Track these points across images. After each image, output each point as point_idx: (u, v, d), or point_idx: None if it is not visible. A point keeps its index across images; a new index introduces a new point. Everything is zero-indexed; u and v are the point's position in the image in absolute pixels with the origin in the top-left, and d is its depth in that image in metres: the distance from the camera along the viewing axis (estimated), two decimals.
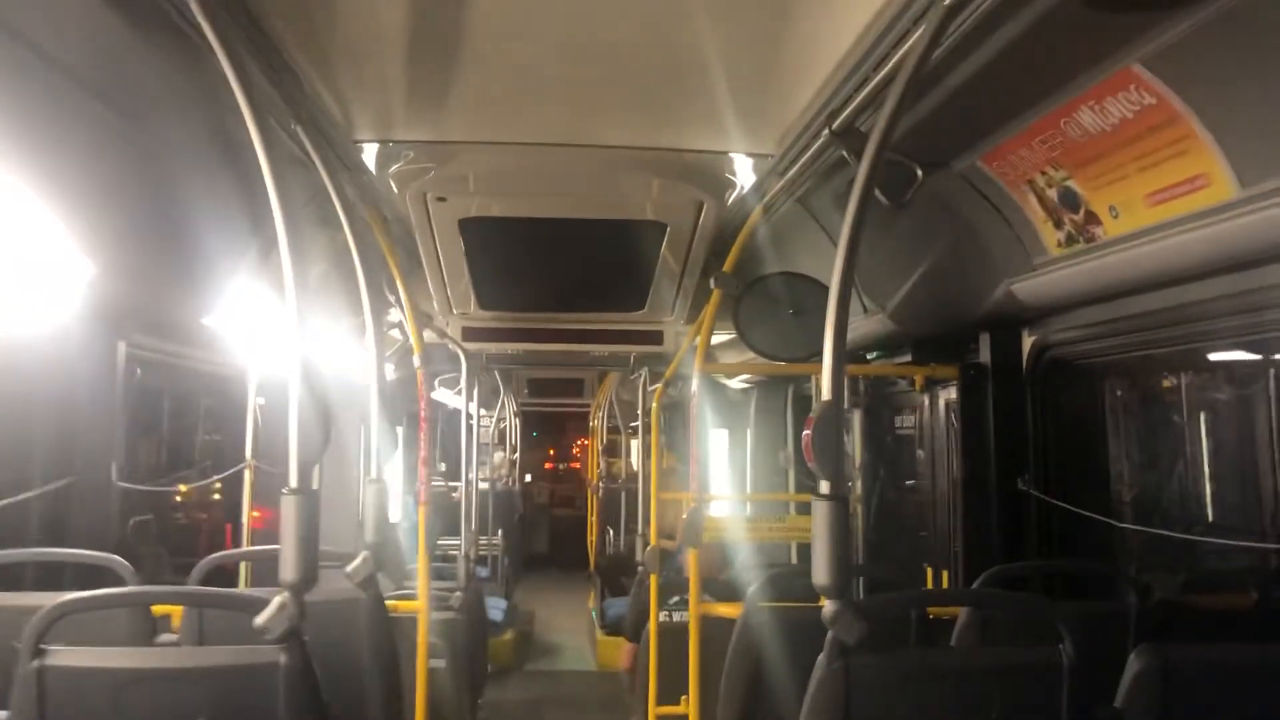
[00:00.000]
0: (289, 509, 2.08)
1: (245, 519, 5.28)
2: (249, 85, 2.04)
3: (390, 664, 3.24)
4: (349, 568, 3.09)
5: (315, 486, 2.14)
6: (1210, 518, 4.01)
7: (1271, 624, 3.17)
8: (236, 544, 5.30)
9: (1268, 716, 2.12)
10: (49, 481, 3.55)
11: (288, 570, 2.07)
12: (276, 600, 2.05)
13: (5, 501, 3.42)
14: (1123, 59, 2.33)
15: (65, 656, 2.09)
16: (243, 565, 5.03)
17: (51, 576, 3.46)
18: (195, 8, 1.91)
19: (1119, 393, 4.00)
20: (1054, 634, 2.14)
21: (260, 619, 2.05)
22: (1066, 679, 2.13)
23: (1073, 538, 3.75)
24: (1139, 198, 2.68)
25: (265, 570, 4.99)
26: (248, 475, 5.30)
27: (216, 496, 6.19)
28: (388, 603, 3.72)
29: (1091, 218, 2.90)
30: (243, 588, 4.75)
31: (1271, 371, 3.88)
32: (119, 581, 3.06)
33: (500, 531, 10.23)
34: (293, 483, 2.10)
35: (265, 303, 4.32)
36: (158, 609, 3.48)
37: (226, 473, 5.38)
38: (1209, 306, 2.91)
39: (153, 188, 3.22)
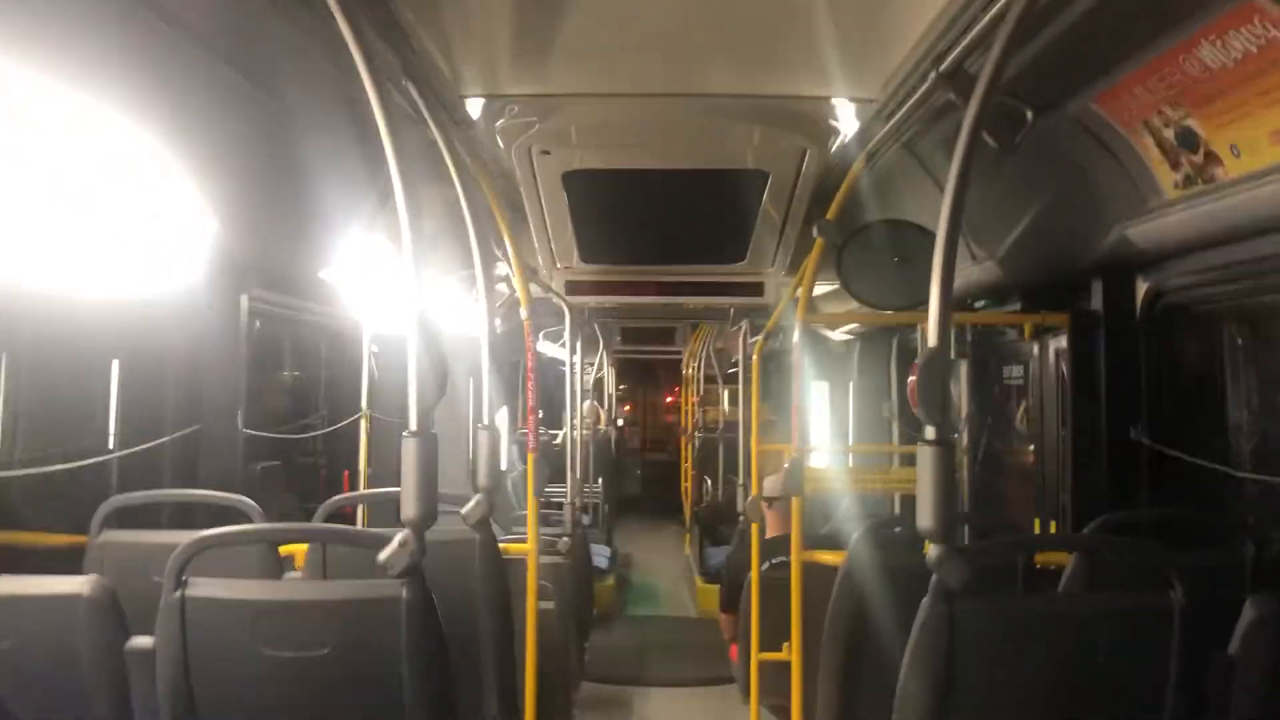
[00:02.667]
0: (409, 450, 2.18)
1: (362, 465, 5.50)
2: (365, 44, 2.11)
3: (503, 603, 3.35)
4: (464, 510, 3.21)
5: (434, 430, 2.23)
6: None
7: None
8: (354, 489, 5.51)
9: None
10: (180, 429, 3.76)
11: (408, 508, 2.16)
12: (399, 537, 2.16)
13: (142, 447, 3.64)
14: None
15: (204, 588, 2.24)
16: (360, 508, 5.23)
17: (185, 517, 3.67)
18: None
19: (1238, 340, 3.86)
20: (1165, 583, 2.12)
21: (383, 555, 2.15)
22: (1178, 624, 2.11)
23: (1187, 488, 3.67)
24: (1263, 135, 2.58)
25: (380, 513, 5.19)
26: (364, 424, 5.51)
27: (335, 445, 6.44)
28: (501, 544, 3.86)
29: (1211, 158, 2.81)
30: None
31: None
32: (247, 521, 3.23)
33: (600, 479, 10.38)
34: (413, 425, 2.19)
35: (378, 257, 4.46)
36: (284, 549, 3.67)
37: (344, 422, 5.59)
38: None
39: (273, 147, 3.35)
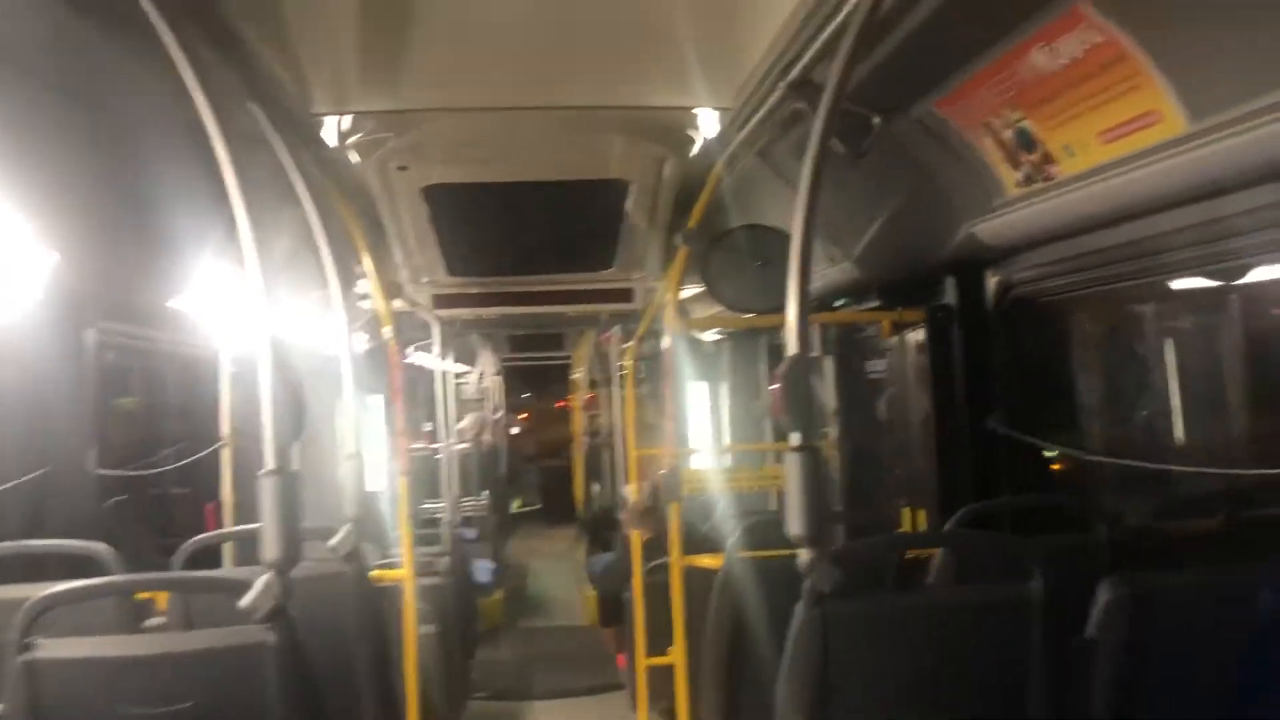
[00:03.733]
0: (268, 489, 2.10)
1: (226, 497, 5.29)
2: (200, 66, 2.03)
3: (378, 634, 3.27)
4: (332, 541, 3.12)
5: (293, 466, 2.16)
6: (1177, 446, 4.09)
7: (1236, 545, 3.26)
8: (218, 523, 5.30)
9: (1231, 633, 2.19)
10: (26, 473, 3.55)
11: (270, 549, 2.09)
12: (261, 580, 2.08)
13: None
14: None
15: (54, 649, 2.11)
16: (226, 545, 5.03)
17: (36, 567, 3.46)
18: None
19: (1083, 328, 4.05)
20: (1026, 572, 2.20)
21: (245, 600, 2.07)
22: (1038, 612, 2.19)
23: (1045, 472, 3.83)
24: (1092, 136, 2.70)
25: (250, 548, 5.00)
26: (226, 453, 5.29)
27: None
28: (374, 573, 3.76)
29: (1047, 157, 2.93)
30: (228, 568, 4.76)
31: (1231, 299, 3.96)
32: (103, 569, 3.07)
33: (486, 491, 10.26)
34: (270, 463, 2.12)
35: (233, 282, 4.29)
36: (144, 593, 3.50)
37: (202, 453, 5.37)
38: (1166, 239, 2.95)
39: (112, 173, 3.20)
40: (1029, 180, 3.09)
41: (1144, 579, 2.22)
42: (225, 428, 5.29)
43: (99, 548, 3.12)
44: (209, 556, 4.96)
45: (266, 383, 2.13)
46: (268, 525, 2.09)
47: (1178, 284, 3.87)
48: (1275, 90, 2.11)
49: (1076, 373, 4.02)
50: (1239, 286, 3.83)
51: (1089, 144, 2.74)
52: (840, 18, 2.31)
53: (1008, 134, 3.00)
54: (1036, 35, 2.53)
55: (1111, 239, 3.10)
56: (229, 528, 4.71)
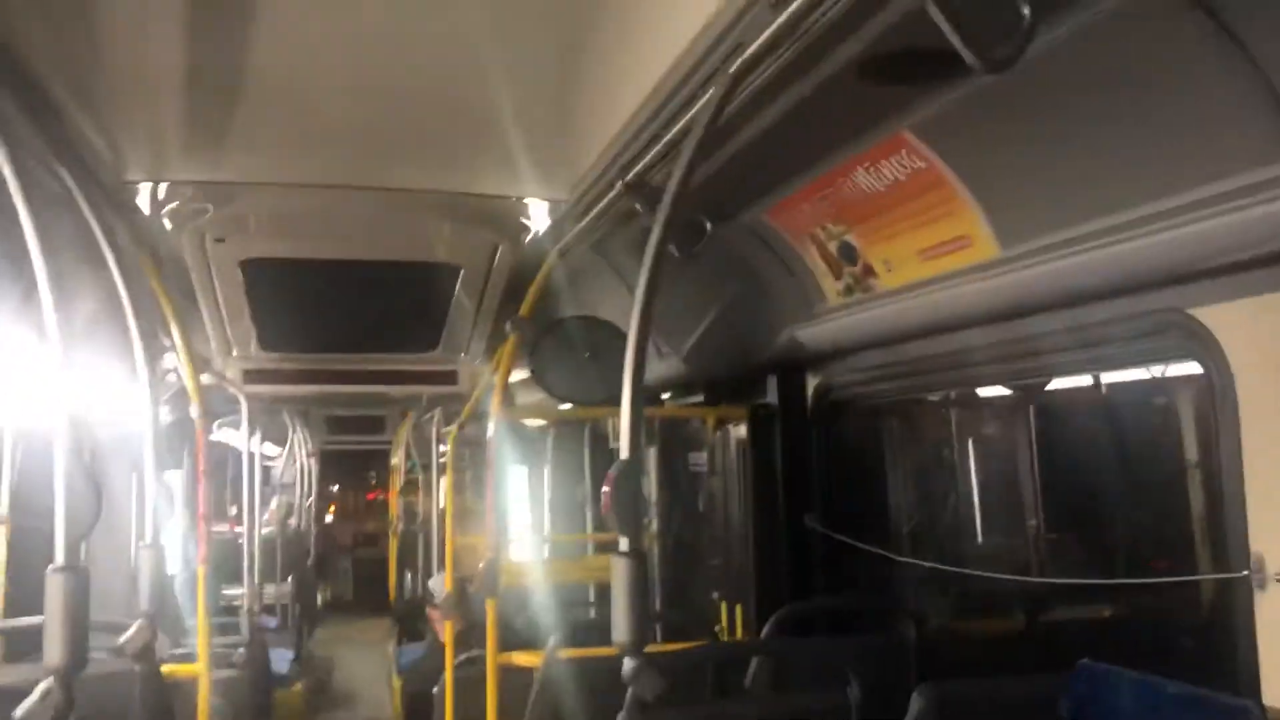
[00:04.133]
0: (55, 587, 1.90)
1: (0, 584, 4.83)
2: (3, 125, 1.89)
3: None
4: (122, 638, 2.87)
5: (83, 560, 1.97)
6: (978, 549, 4.29)
7: (1031, 648, 3.43)
8: None
9: None
10: None
11: (53, 654, 1.89)
12: (40, 688, 1.87)
13: None
14: (895, 125, 2.48)
15: None
16: None
17: None
18: None
19: (896, 431, 4.23)
20: (843, 678, 2.23)
21: (19, 712, 1.86)
22: (856, 716, 2.21)
23: (857, 571, 3.93)
24: (911, 253, 2.85)
25: (26, 642, 4.55)
26: (2, 532, 4.85)
27: None
28: (166, 668, 3.48)
29: (868, 270, 3.07)
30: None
31: (1030, 411, 4.21)
32: None
33: (291, 578, 9.77)
34: (60, 559, 1.92)
35: (20, 349, 3.98)
36: None
37: None
38: (976, 353, 3.12)
39: None
40: (849, 290, 3.22)
41: (953, 687, 2.29)
42: (3, 506, 4.86)
43: None
44: None
45: (60, 466, 1.95)
46: (52, 627, 1.89)
47: (984, 394, 4.10)
48: (1073, 225, 2.27)
49: (889, 474, 4.18)
50: (1038, 401, 4.09)
51: (907, 260, 2.88)
52: (679, 125, 2.36)
53: (832, 245, 3.13)
54: (862, 156, 2.67)
55: (925, 350, 3.27)
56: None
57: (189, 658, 4.00)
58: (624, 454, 2.09)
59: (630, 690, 2.06)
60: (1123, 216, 2.15)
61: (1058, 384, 3.82)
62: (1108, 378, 3.83)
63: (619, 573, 2.06)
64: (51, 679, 1.88)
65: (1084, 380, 3.71)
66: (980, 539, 4.28)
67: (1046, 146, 2.21)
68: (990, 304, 2.72)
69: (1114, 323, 2.54)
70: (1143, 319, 2.45)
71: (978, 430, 4.37)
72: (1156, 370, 3.34)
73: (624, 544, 2.09)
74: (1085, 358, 2.84)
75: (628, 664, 2.04)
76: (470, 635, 4.80)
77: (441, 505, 8.68)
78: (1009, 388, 3.88)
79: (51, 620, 1.90)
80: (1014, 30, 1.57)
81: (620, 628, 2.05)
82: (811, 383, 3.98)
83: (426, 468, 11.55)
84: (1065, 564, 4.00)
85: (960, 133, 2.37)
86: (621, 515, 2.08)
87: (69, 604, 1.90)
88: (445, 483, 5.85)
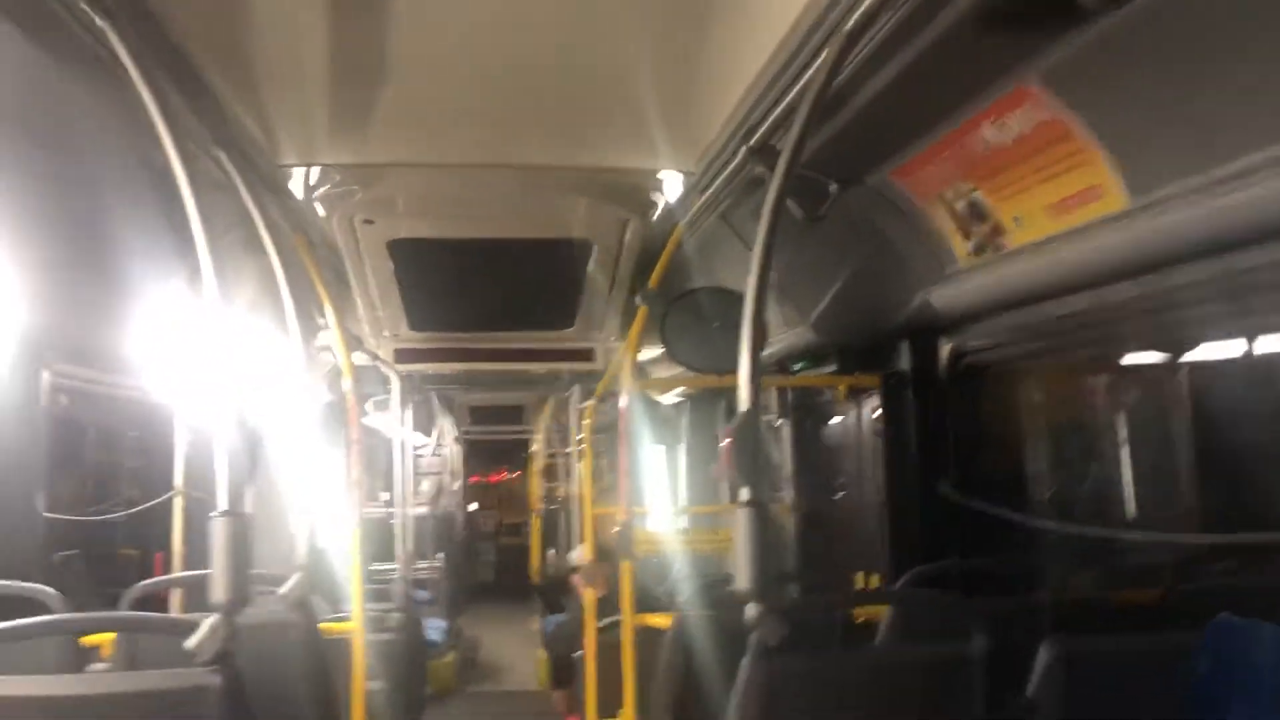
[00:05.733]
0: (219, 531, 2.09)
1: (176, 547, 5.21)
2: (168, 112, 2.06)
3: (324, 686, 3.23)
4: (282, 589, 3.09)
5: (246, 509, 2.15)
6: (1122, 514, 4.16)
7: (1175, 616, 3.30)
8: (167, 573, 5.22)
9: (1162, 696, 2.23)
10: None
11: (219, 592, 2.08)
12: (208, 622, 2.06)
13: None
14: (1018, 77, 2.44)
15: None
16: (176, 593, 4.95)
17: None
18: (112, 37, 1.94)
19: (1033, 396, 4.13)
20: (968, 632, 2.23)
21: (191, 641, 2.05)
22: (979, 671, 2.21)
23: (993, 539, 3.87)
24: (1040, 208, 2.80)
25: (200, 598, 4.91)
26: (178, 503, 5.23)
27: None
28: (323, 625, 3.71)
29: (997, 228, 3.03)
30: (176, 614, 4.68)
31: (1180, 372, 4.05)
32: (47, 612, 3.02)
33: (442, 555, 10.17)
34: (222, 505, 2.11)
35: (193, 329, 4.28)
36: (90, 640, 3.43)
37: (154, 501, 5.30)
38: (1113, 311, 3.04)
39: (75, 215, 3.20)
40: (980, 250, 3.18)
41: (1083, 642, 2.26)
42: (178, 477, 5.24)
43: (45, 590, 3.08)
44: (159, 606, 4.89)
45: (223, 424, 2.14)
46: (217, 567, 2.08)
47: (1125, 355, 3.97)
48: (1207, 170, 2.20)
49: (1026, 440, 4.09)
50: (1184, 359, 3.94)
51: (1036, 216, 2.83)
52: (799, 86, 2.39)
53: (960, 205, 3.10)
54: (986, 111, 2.64)
55: (1059, 309, 3.19)
56: (177, 574, 4.64)
57: (347, 621, 4.24)
58: (742, 406, 2.15)
59: (754, 636, 2.12)
60: (1261, 155, 2.07)
61: (1205, 344, 3.66)
62: (1263, 338, 3.65)
63: (742, 522, 2.13)
64: (218, 615, 2.06)
65: (1233, 339, 3.55)
66: (1124, 505, 4.14)
67: (1175, 89, 2.15)
68: (1124, 258, 2.65)
69: (1258, 271, 2.45)
70: None
71: (1120, 393, 4.23)
72: None
73: (745, 494, 2.15)
74: (1230, 310, 2.73)
75: (751, 609, 2.10)
76: (610, 603, 4.93)
77: (579, 484, 8.90)
78: (1152, 348, 3.74)
79: (217, 561, 2.08)
80: None
81: (744, 575, 2.11)
82: (945, 348, 3.93)
83: (566, 453, 11.82)
84: (1215, 529, 3.84)
85: (1086, 81, 2.32)
86: (741, 466, 2.14)
87: (232, 546, 2.08)
88: (585, 457, 6.00)
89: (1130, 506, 4.14)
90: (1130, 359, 3.93)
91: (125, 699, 2.11)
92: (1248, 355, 3.45)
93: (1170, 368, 4.02)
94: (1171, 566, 3.53)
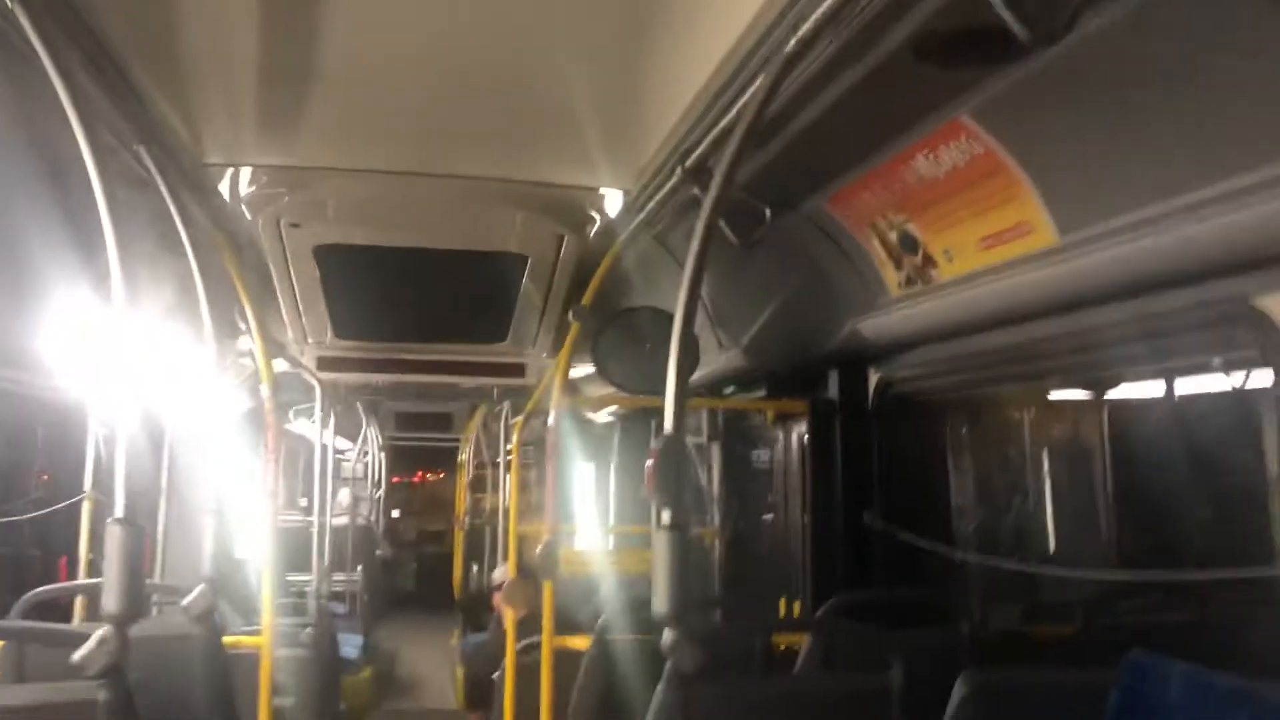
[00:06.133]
0: (114, 539, 2.00)
1: (83, 552, 5.04)
2: (81, 103, 1.98)
3: (226, 702, 3.12)
4: (185, 600, 2.98)
5: (141, 518, 2.06)
6: (1041, 548, 4.21)
7: (1091, 646, 3.34)
8: (71, 579, 5.04)
9: None
10: None
11: (110, 602, 1.98)
12: (97, 634, 1.96)
13: None
14: (953, 110, 2.46)
15: None
16: (78, 601, 4.78)
17: None
18: (22, 18, 1.85)
19: (960, 428, 4.17)
20: (886, 662, 2.22)
21: (78, 654, 1.95)
22: (897, 702, 2.20)
23: (916, 568, 3.88)
24: (971, 242, 2.82)
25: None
26: (86, 506, 5.06)
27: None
28: (230, 638, 3.59)
29: (929, 260, 3.04)
30: (78, 624, 4.51)
31: (1100, 409, 4.13)
32: None
33: (360, 567, 9.97)
34: (119, 512, 2.02)
35: (105, 327, 4.14)
36: None
37: (61, 504, 5.12)
38: (1040, 346, 3.08)
39: None
40: (910, 281, 3.20)
41: (998, 675, 2.26)
42: (89, 480, 5.07)
43: None
44: (63, 613, 4.71)
45: (124, 430, 2.05)
46: (109, 576, 1.98)
47: (1050, 391, 4.03)
48: (1132, 211, 2.23)
49: (951, 471, 4.12)
50: (1105, 397, 4.01)
51: (968, 249, 2.85)
52: (736, 109, 2.38)
53: (892, 235, 3.11)
54: (921, 143, 2.66)
55: (987, 343, 3.23)
56: (76, 581, 4.47)
57: (258, 634, 4.12)
58: (667, 429, 2.11)
59: (669, 663, 2.08)
60: (1183, 200, 2.11)
61: (1126, 383, 3.74)
62: (1181, 379, 3.73)
63: (660, 545, 2.09)
64: (109, 626, 1.97)
65: (1153, 379, 3.62)
66: (1043, 540, 4.20)
67: (1106, 129, 2.18)
68: (1051, 293, 2.68)
69: (1179, 314, 2.49)
70: (1207, 309, 2.40)
71: (1043, 428, 4.29)
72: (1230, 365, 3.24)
73: (665, 518, 2.11)
74: (1150, 350, 2.78)
75: (667, 635, 2.06)
76: (531, 623, 4.86)
77: (507, 499, 8.79)
78: (1076, 385, 3.80)
79: (109, 570, 1.99)
80: (1063, 2, 1.57)
81: (661, 599, 2.07)
82: (873, 377, 3.95)
83: (495, 464, 11.68)
84: (1132, 567, 3.91)
85: (1018, 117, 2.35)
86: (662, 489, 2.11)
87: (125, 555, 1.99)
88: (511, 473, 5.93)
89: (1050, 540, 4.20)
90: (1055, 395, 3.98)
91: (8, 714, 2.00)
92: (1166, 395, 3.53)
93: (1092, 405, 4.09)
94: (1087, 601, 3.58)
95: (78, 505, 5.08)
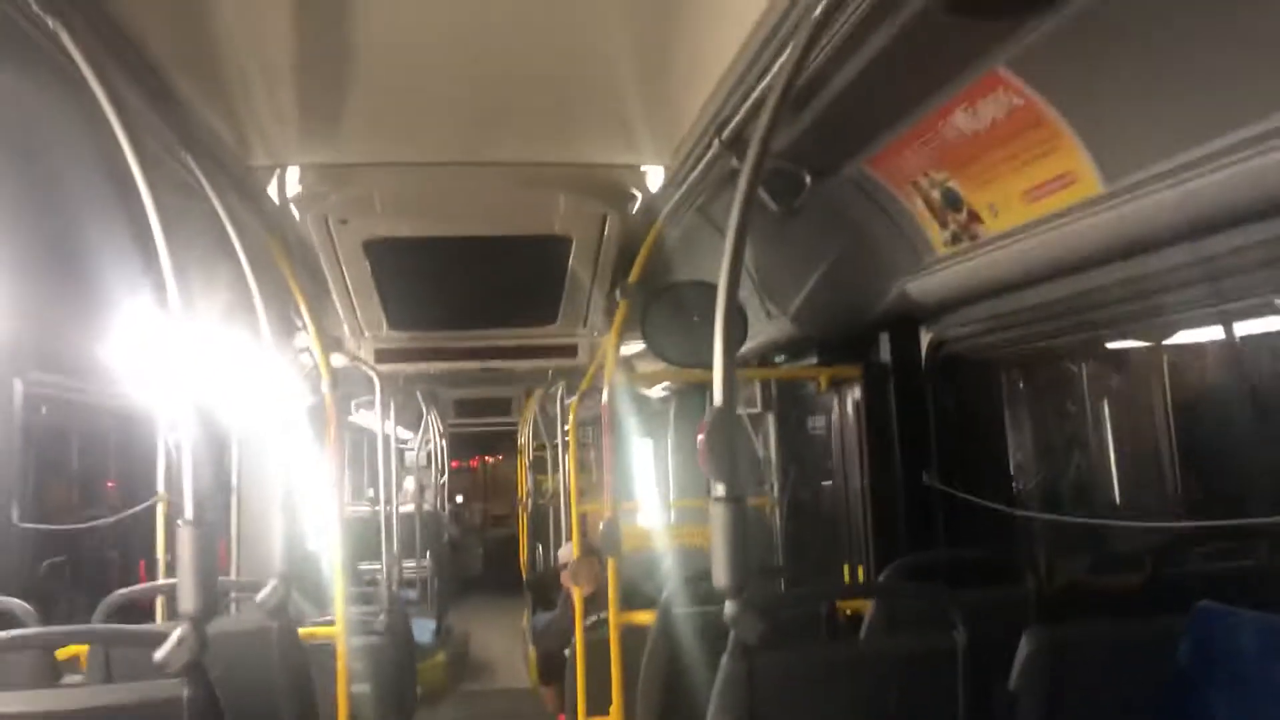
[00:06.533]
0: (185, 540, 2.06)
1: (160, 554, 5.18)
2: (126, 115, 2.03)
3: (304, 692, 3.19)
4: (259, 595, 3.06)
5: (212, 517, 2.12)
6: (1104, 501, 4.16)
7: (1158, 599, 3.30)
8: (151, 580, 5.18)
9: (1144, 683, 2.22)
10: None
11: (186, 601, 2.05)
12: (176, 633, 2.03)
13: None
14: (989, 62, 2.42)
15: None
16: (159, 601, 4.92)
17: None
18: (66, 39, 1.90)
19: (1015, 384, 4.12)
20: (950, 623, 2.21)
21: (160, 653, 2.02)
22: (961, 663, 2.20)
23: (977, 527, 3.86)
24: (1015, 195, 2.78)
25: None
26: (160, 509, 5.20)
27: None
28: (306, 630, 3.68)
29: (973, 216, 3.01)
30: (159, 623, 4.65)
31: (1160, 357, 4.05)
32: (19, 626, 2.98)
33: (429, 553, 10.13)
34: (188, 514, 2.08)
35: (167, 333, 4.24)
36: (65, 652, 3.40)
37: (137, 508, 5.27)
38: (1090, 298, 3.03)
39: (39, 221, 3.16)
40: (956, 239, 3.16)
41: (1064, 631, 2.25)
42: (161, 484, 5.21)
43: (14, 604, 3.04)
44: (143, 614, 4.86)
45: (188, 431, 2.11)
46: (184, 576, 2.05)
47: (1106, 342, 3.96)
48: (1178, 154, 2.19)
49: (1008, 428, 4.08)
50: (1164, 344, 3.93)
51: (1011, 203, 2.82)
52: (769, 77, 2.37)
53: (935, 194, 3.08)
54: (958, 98, 2.62)
55: (1037, 297, 3.19)
56: (155, 582, 4.60)
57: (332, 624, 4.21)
58: (717, 401, 2.12)
59: (732, 634, 2.10)
60: (1236, 136, 2.06)
61: (1185, 329, 3.66)
62: (1241, 322, 3.65)
63: (718, 518, 2.10)
64: (186, 624, 2.04)
65: (1212, 324, 3.54)
66: (1105, 493, 4.15)
67: (1147, 70, 2.13)
68: (1099, 244, 2.64)
69: (1236, 254, 2.44)
70: (1267, 247, 2.35)
71: (1100, 380, 4.23)
72: None
73: (720, 490, 2.13)
74: (1209, 293, 2.72)
75: (729, 607, 2.08)
76: (598, 599, 4.91)
77: (567, 479, 8.85)
78: (1133, 334, 3.73)
79: (182, 571, 2.05)
80: None
81: (721, 571, 2.09)
82: (925, 338, 3.92)
83: (554, 445, 11.76)
84: (1197, 514, 3.85)
85: (1056, 65, 2.31)
86: (717, 462, 2.12)
87: (198, 554, 2.05)
88: (569, 453, 5.97)
89: (1113, 493, 4.14)
90: (1111, 345, 3.92)
91: (97, 713, 2.08)
92: (1227, 339, 3.45)
93: (1151, 353, 4.02)
94: (1154, 552, 3.53)
95: (153, 508, 5.23)
